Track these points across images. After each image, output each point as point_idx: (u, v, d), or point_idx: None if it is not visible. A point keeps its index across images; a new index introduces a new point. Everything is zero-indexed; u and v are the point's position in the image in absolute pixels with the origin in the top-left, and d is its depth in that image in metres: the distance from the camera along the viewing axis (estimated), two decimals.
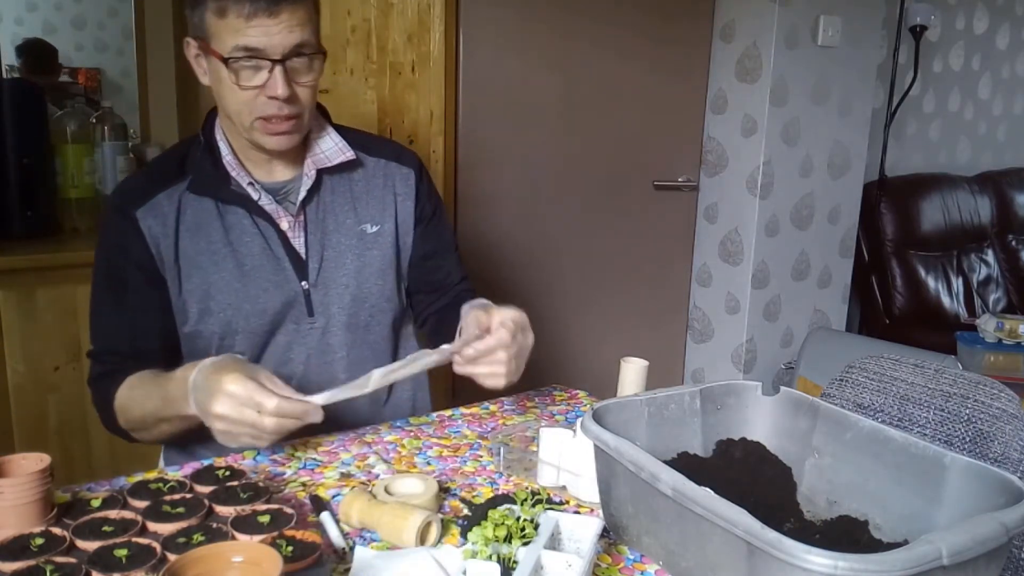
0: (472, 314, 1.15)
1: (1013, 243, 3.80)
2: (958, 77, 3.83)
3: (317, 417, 1.03)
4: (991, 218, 3.74)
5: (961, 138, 3.95)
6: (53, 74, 2.63)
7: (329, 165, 1.28)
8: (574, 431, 1.04)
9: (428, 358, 1.09)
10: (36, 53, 2.57)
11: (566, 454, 1.03)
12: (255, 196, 1.23)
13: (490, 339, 1.10)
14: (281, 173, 1.27)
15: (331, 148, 1.29)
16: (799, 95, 2.80)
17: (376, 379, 1.06)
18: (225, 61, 1.11)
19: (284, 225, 1.24)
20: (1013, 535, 0.69)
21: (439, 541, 0.90)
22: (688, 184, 2.86)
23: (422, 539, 0.89)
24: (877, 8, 2.96)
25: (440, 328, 1.40)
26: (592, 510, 1.00)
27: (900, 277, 3.33)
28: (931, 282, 3.41)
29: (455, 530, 0.93)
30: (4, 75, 2.36)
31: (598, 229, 2.70)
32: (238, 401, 0.99)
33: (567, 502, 1.02)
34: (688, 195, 2.90)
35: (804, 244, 2.99)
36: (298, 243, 1.26)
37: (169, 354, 1.28)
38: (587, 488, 1.01)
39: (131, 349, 1.22)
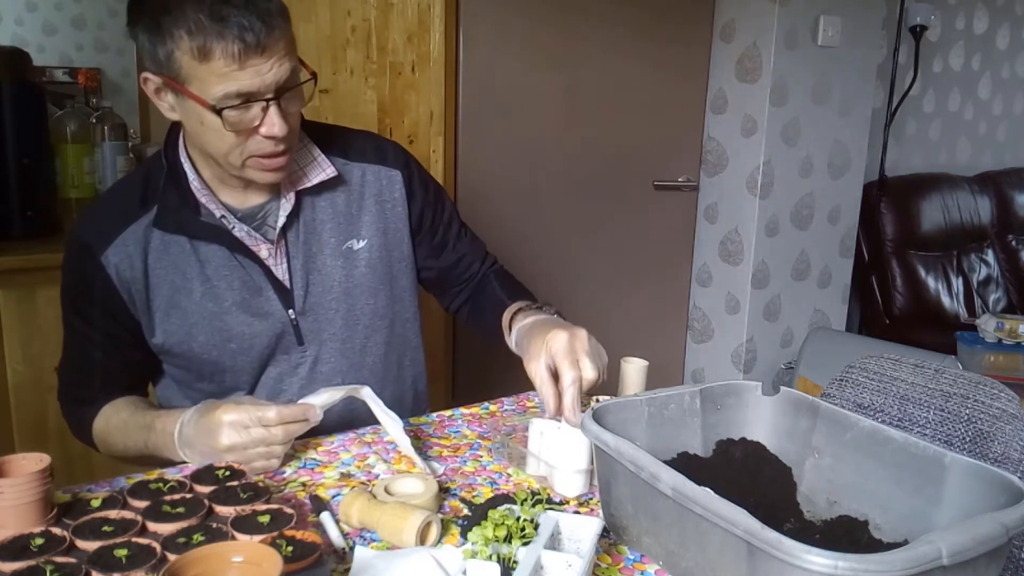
0: (531, 367, 1.06)
1: (1013, 243, 3.80)
2: (958, 77, 3.83)
3: (317, 417, 1.04)
4: (991, 218, 3.74)
5: (961, 138, 3.95)
6: (28, 75, 2.60)
7: (309, 185, 1.18)
8: (559, 422, 1.06)
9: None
10: (7, 61, 2.55)
11: (549, 446, 1.04)
12: (229, 226, 1.13)
13: (569, 398, 1.02)
14: (256, 197, 1.17)
15: (310, 164, 1.18)
16: (799, 95, 2.80)
17: (368, 393, 1.10)
18: (217, 111, 1.00)
19: (263, 254, 1.16)
20: (1013, 535, 0.69)
21: (439, 541, 0.90)
22: (688, 184, 2.86)
23: (422, 539, 0.89)
24: (877, 8, 2.96)
25: (476, 317, 1.37)
26: (570, 503, 1.00)
27: (900, 277, 3.33)
28: (931, 282, 3.41)
29: (455, 530, 0.93)
30: None
31: (598, 229, 2.70)
32: (241, 425, 1.00)
33: (567, 502, 1.02)
34: (688, 195, 2.90)
35: (804, 244, 2.99)
36: (280, 271, 1.18)
37: (146, 382, 1.28)
38: (563, 481, 1.02)
39: (100, 383, 1.20)
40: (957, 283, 3.50)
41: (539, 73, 2.46)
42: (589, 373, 1.02)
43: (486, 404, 1.35)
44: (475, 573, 0.74)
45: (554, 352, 1.04)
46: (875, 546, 0.84)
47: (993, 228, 3.75)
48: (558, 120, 2.54)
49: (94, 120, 2.26)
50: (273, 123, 1.03)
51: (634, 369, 1.19)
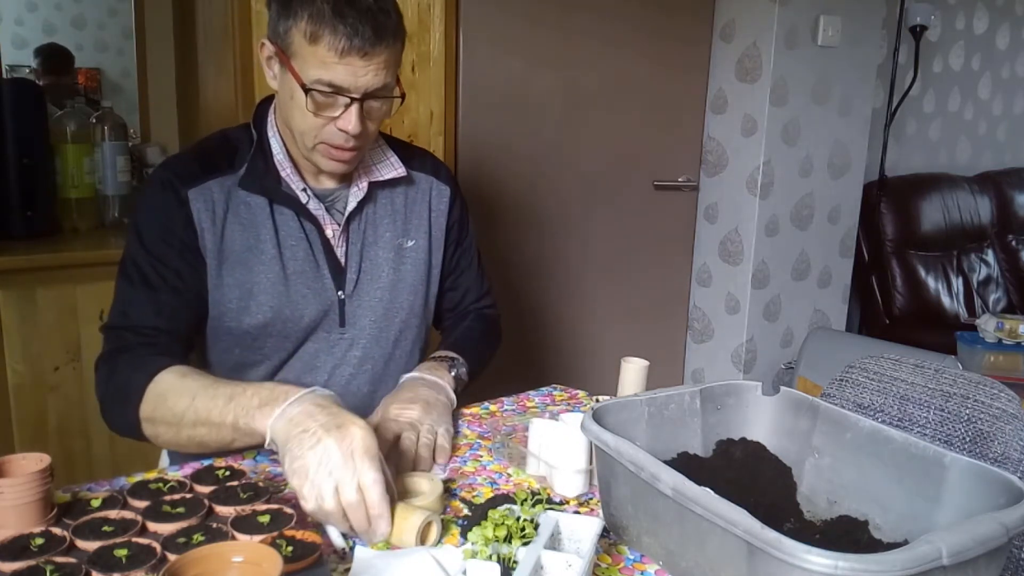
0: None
1: (1013, 243, 3.80)
2: (958, 77, 3.83)
3: (379, 537, 0.89)
4: (991, 218, 3.74)
5: (961, 138, 3.95)
6: (68, 75, 2.66)
7: (381, 179, 1.28)
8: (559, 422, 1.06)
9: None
10: (52, 54, 2.61)
11: (549, 446, 1.04)
12: (304, 200, 1.22)
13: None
14: (329, 181, 1.27)
15: (383, 163, 1.29)
16: (799, 95, 2.80)
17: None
18: (306, 90, 1.10)
19: (329, 232, 1.24)
20: (1013, 535, 0.69)
21: (439, 541, 0.90)
22: (688, 184, 2.86)
23: (423, 539, 0.89)
24: (877, 8, 2.96)
25: (443, 344, 1.41)
26: (570, 503, 1.00)
27: (900, 277, 3.33)
28: (931, 282, 3.41)
29: (455, 530, 0.93)
30: (5, 75, 2.36)
31: (598, 229, 2.70)
32: (359, 450, 0.87)
33: (567, 502, 1.02)
34: (688, 195, 2.90)
35: (804, 244, 2.99)
36: (340, 252, 1.25)
37: (194, 343, 1.25)
38: (563, 481, 1.02)
39: (168, 325, 1.15)
40: (957, 283, 3.50)
41: (539, 73, 2.46)
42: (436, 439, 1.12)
43: (486, 404, 1.35)
44: (475, 573, 0.74)
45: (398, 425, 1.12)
46: (875, 546, 0.84)
47: (993, 228, 3.75)
48: (558, 120, 2.54)
49: (94, 120, 2.26)
50: (350, 120, 1.12)
51: (634, 369, 1.19)
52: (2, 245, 1.96)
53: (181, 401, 1.04)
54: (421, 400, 1.16)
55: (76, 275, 1.91)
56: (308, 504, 0.87)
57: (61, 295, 1.90)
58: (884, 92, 3.37)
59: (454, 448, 1.17)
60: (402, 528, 0.88)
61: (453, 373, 1.27)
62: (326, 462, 0.87)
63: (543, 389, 1.44)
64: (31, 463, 0.86)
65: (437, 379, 1.23)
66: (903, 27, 3.30)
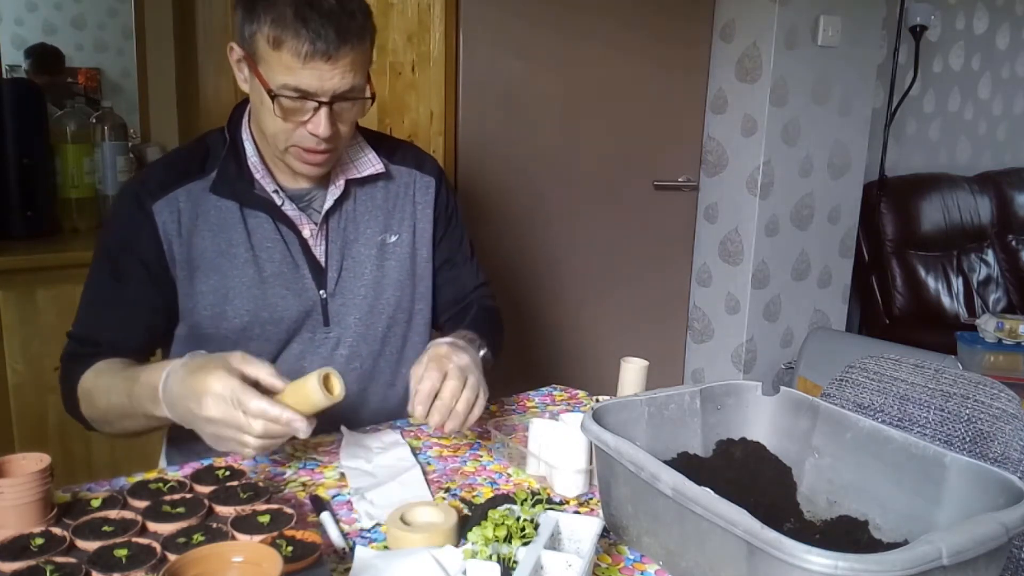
0: (413, 368, 1.12)
1: (1013, 243, 3.80)
2: (958, 77, 3.83)
3: (303, 431, 0.95)
4: (991, 218, 3.74)
5: (961, 138, 3.95)
6: (60, 75, 2.66)
7: (358, 176, 1.26)
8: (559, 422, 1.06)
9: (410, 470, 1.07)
10: (43, 54, 2.61)
11: (549, 446, 1.04)
12: (279, 202, 1.21)
13: (425, 385, 1.06)
14: (305, 181, 1.25)
15: (361, 159, 1.28)
16: (799, 95, 2.80)
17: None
18: (273, 96, 1.08)
19: (306, 233, 1.23)
20: (1013, 535, 0.69)
21: (344, 392, 0.95)
22: (688, 184, 2.86)
23: (330, 391, 0.94)
24: (877, 8, 2.96)
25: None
26: (570, 503, 1.00)
27: (900, 277, 3.33)
28: (931, 282, 3.41)
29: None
30: (4, 75, 2.36)
31: (598, 229, 2.70)
32: (225, 401, 0.93)
33: (567, 502, 1.02)
34: (688, 195, 2.90)
35: (804, 244, 2.99)
36: (319, 251, 1.24)
37: (151, 352, 1.27)
38: (563, 481, 1.02)
39: (114, 341, 1.18)
40: (957, 283, 3.50)
41: (539, 73, 2.46)
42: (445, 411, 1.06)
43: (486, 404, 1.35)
44: (475, 573, 0.74)
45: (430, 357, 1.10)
46: (875, 546, 0.84)
47: (993, 228, 3.75)
48: (558, 120, 2.54)
49: (94, 120, 2.26)
50: (319, 124, 1.11)
51: (634, 369, 1.19)
52: (2, 245, 1.96)
53: (100, 402, 1.13)
54: (469, 353, 1.14)
55: (76, 275, 1.89)
56: (251, 453, 0.97)
57: (61, 295, 1.90)
58: (884, 92, 3.37)
59: (454, 449, 1.17)
60: (303, 400, 0.92)
61: (482, 353, 1.22)
62: (221, 422, 0.94)
63: (543, 389, 1.44)
64: (31, 463, 0.86)
65: (470, 345, 1.18)
66: (903, 27, 3.30)
